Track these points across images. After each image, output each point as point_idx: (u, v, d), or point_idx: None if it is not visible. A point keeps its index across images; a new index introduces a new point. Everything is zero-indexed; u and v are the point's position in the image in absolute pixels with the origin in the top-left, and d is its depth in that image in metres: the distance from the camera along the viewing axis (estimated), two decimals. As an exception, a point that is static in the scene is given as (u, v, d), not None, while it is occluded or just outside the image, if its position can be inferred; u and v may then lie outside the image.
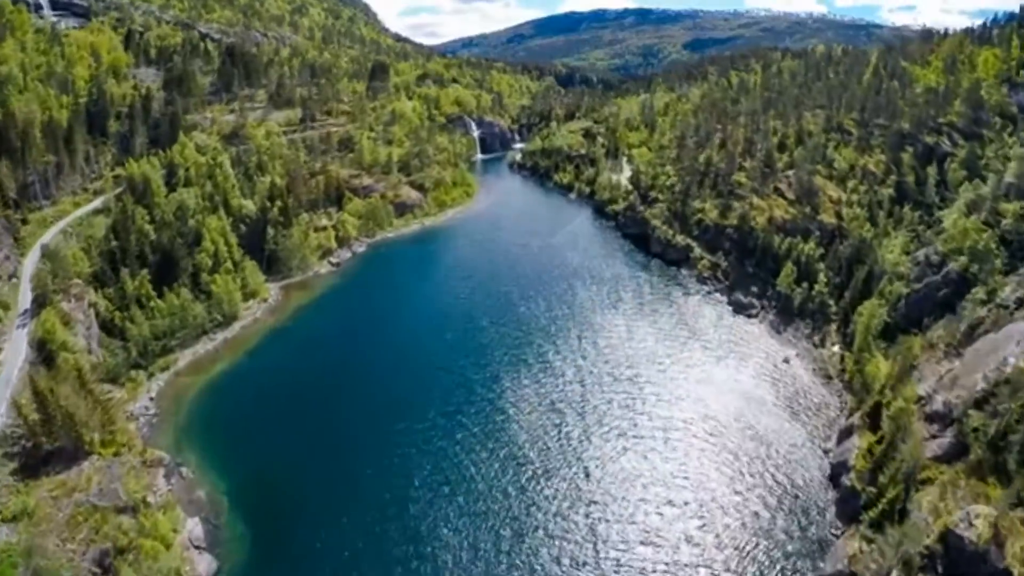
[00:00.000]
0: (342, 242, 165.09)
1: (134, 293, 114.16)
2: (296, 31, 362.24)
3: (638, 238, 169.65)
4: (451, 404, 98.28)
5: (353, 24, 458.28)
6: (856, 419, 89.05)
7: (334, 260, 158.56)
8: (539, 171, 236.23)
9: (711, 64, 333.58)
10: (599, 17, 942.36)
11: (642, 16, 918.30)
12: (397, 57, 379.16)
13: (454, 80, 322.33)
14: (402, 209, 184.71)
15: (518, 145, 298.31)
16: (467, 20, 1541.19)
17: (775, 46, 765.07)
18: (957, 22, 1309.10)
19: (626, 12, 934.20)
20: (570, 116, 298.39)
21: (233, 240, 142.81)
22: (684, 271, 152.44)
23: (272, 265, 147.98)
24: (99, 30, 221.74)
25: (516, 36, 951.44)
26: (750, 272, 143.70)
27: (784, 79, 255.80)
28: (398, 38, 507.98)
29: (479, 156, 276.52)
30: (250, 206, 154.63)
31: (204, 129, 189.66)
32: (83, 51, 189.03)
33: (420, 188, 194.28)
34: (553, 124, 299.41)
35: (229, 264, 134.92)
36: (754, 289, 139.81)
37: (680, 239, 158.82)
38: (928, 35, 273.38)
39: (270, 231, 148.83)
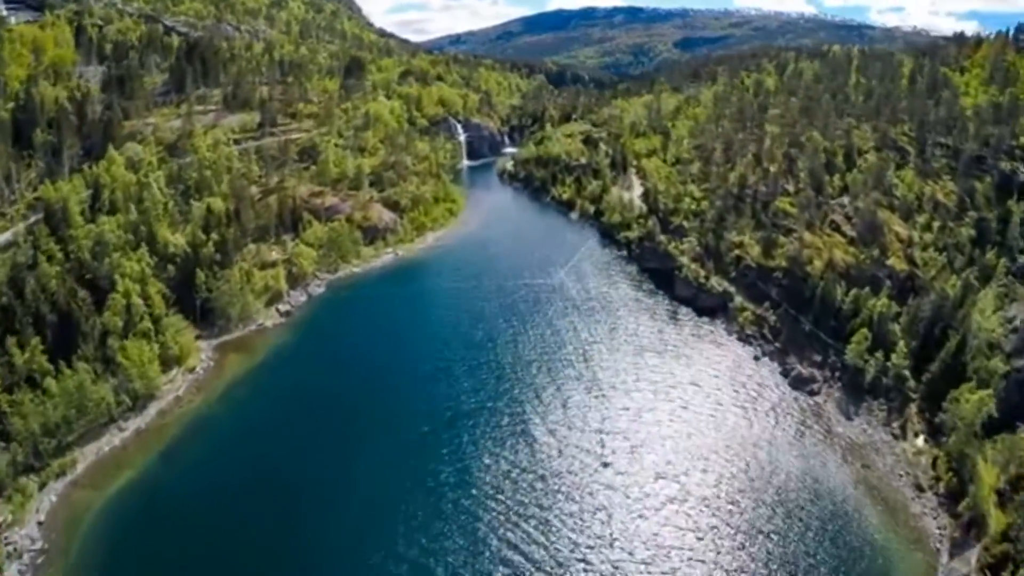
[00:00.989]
0: (296, 281, 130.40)
1: (24, 368, 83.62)
2: (272, 25, 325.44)
3: (660, 276, 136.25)
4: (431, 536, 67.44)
5: (336, 19, 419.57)
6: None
7: (284, 308, 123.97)
8: (534, 183, 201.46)
9: (717, 63, 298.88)
10: (588, 15, 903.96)
11: (632, 14, 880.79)
12: (380, 53, 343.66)
13: (439, 78, 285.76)
14: (372, 235, 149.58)
15: (508, 149, 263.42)
16: (455, 17, 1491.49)
17: (768, 44, 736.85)
18: (946, 24, 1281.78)
19: (616, 10, 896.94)
20: (565, 118, 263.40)
21: (156, 287, 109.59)
22: (721, 324, 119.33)
23: (207, 315, 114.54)
24: (53, 24, 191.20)
25: (504, 33, 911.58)
26: (806, 330, 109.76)
27: (806, 82, 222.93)
28: (383, 33, 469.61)
29: (465, 163, 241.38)
30: (179, 241, 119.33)
31: (144, 138, 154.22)
32: (24, 48, 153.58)
33: (395, 207, 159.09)
34: (547, 126, 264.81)
35: (148, 322, 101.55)
36: (813, 355, 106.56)
37: (715, 283, 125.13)
38: (961, 39, 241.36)
39: (201, 274, 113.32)
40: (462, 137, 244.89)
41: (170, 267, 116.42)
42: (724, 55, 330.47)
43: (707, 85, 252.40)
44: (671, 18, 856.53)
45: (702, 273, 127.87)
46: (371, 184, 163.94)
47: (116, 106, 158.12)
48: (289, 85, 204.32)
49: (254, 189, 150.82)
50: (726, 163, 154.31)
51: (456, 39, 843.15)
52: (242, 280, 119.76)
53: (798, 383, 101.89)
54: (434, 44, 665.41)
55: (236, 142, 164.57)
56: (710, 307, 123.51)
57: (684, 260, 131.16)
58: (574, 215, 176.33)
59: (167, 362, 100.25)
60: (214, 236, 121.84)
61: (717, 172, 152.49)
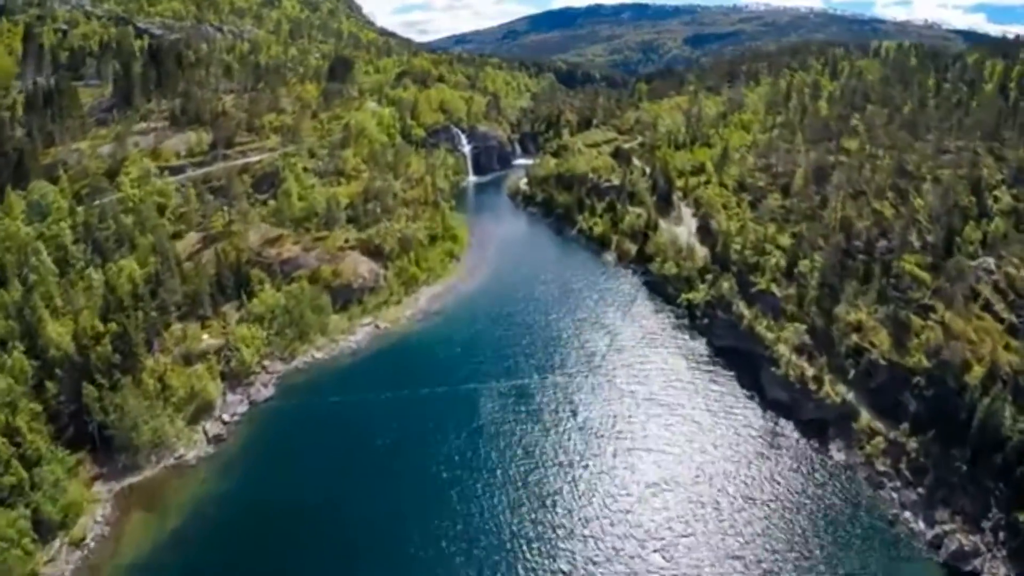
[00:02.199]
0: (235, 379, 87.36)
1: None
2: (260, 24, 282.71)
3: (739, 361, 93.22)
4: None
5: (333, 18, 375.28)
6: None
7: (215, 428, 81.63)
8: (554, 209, 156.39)
9: (752, 59, 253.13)
10: (595, 12, 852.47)
11: (639, 11, 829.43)
12: (379, 53, 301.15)
13: (440, 79, 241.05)
14: (346, 297, 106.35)
15: (520, 161, 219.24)
16: (459, 17, 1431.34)
17: (778, 40, 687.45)
18: (953, 17, 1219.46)
19: (623, 7, 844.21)
20: (585, 123, 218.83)
21: (28, 408, 70.74)
22: (837, 450, 76.82)
23: (108, 444, 74.23)
24: (8, 31, 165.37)
25: (510, 32, 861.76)
26: (961, 469, 66.93)
27: (867, 83, 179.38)
28: (383, 32, 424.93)
29: (471, 179, 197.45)
30: (66, 341, 77.82)
31: (68, 170, 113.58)
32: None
33: (377, 254, 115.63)
34: (564, 132, 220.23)
35: (18, 471, 64.22)
36: (970, 507, 64.09)
37: (828, 390, 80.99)
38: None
39: (93, 388, 72.36)
40: (466, 149, 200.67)
41: (58, 371, 76.07)
42: (759, 51, 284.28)
43: (750, 87, 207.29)
44: (678, 14, 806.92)
45: (808, 371, 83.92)
46: (348, 220, 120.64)
47: (36, 130, 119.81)
48: (261, 92, 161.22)
49: (192, 238, 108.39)
50: (815, 196, 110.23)
51: (461, 39, 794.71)
52: (154, 390, 78.08)
53: (956, 558, 59.46)
54: (438, 44, 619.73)
55: (177, 170, 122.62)
56: (820, 420, 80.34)
57: (782, 350, 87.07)
58: (609, 257, 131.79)
59: (47, 529, 62.38)
60: (113, 326, 79.99)
61: (805, 209, 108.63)
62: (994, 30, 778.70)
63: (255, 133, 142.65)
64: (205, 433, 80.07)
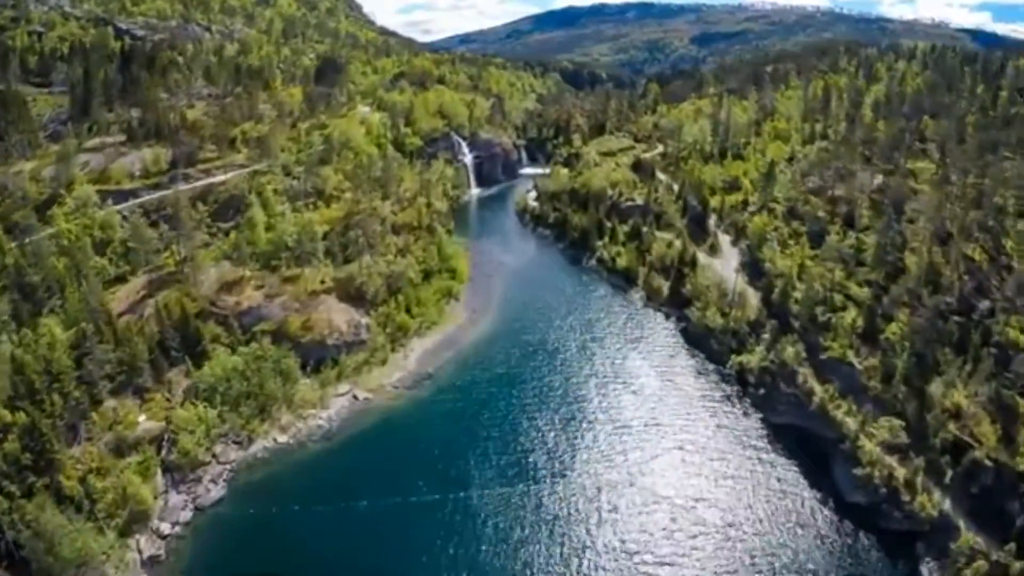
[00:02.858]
0: (179, 470, 65.33)
1: None
2: (252, 24, 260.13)
3: (804, 444, 72.11)
4: None
5: (331, 17, 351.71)
6: None
7: (151, 545, 60.86)
8: (568, 232, 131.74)
9: (776, 60, 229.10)
10: (599, 11, 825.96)
11: (644, 10, 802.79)
12: (377, 53, 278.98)
13: (440, 81, 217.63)
14: (319, 354, 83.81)
15: (527, 170, 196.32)
16: (463, 16, 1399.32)
17: (786, 39, 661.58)
18: (957, 16, 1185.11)
19: (628, 6, 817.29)
20: (598, 129, 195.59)
21: None
22: (931, 572, 54.08)
23: (22, 567, 55.25)
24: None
25: (514, 32, 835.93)
26: None
27: (914, 90, 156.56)
28: (384, 32, 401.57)
29: (473, 192, 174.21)
30: None
31: (5, 196, 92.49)
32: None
33: (358, 298, 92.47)
34: (574, 138, 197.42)
35: None
36: None
37: (923, 500, 58.62)
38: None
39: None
40: (468, 158, 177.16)
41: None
42: (784, 51, 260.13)
43: (780, 91, 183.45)
44: (684, 13, 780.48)
45: (898, 472, 61.59)
46: (326, 253, 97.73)
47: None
48: (238, 97, 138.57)
49: (136, 283, 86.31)
50: (890, 233, 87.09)
51: (465, 38, 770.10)
52: (77, 494, 57.24)
53: None
54: (442, 44, 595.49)
55: (128, 195, 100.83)
56: (907, 535, 58.47)
57: (867, 446, 64.67)
58: (637, 296, 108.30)
59: None
60: (22, 416, 58.54)
61: (880, 250, 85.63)
62: (1000, 29, 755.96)
63: (225, 146, 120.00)
64: (139, 551, 58.49)
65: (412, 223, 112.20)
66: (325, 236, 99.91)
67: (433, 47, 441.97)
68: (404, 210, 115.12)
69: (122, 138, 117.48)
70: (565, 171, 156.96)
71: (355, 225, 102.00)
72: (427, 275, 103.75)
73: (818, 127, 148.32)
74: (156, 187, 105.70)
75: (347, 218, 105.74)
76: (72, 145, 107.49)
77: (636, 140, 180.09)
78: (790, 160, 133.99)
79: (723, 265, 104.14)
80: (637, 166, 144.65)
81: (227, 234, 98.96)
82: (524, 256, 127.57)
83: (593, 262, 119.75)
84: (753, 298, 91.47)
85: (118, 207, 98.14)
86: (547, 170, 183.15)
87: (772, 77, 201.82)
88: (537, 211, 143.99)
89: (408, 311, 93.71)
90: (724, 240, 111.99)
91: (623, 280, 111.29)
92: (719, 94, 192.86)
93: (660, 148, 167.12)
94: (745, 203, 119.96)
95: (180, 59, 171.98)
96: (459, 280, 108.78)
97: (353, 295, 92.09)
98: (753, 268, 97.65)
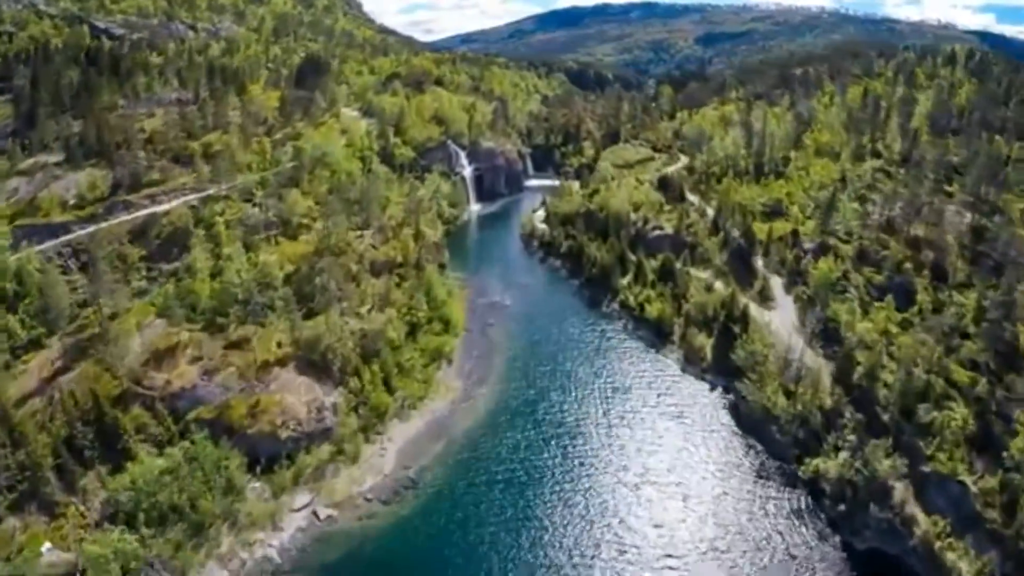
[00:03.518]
0: None
1: None
2: (242, 21, 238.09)
3: (891, 567, 51.97)
4: None
5: (329, 14, 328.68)
6: None
7: None
8: (585, 266, 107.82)
9: (801, 62, 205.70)
10: (603, 11, 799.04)
11: (648, 10, 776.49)
12: (374, 52, 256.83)
13: (438, 83, 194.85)
14: (272, 450, 61.44)
15: (533, 182, 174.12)
16: (465, 16, 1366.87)
17: (793, 39, 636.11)
18: (962, 17, 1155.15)
19: (631, 6, 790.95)
20: (612, 136, 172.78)
21: None
22: None
23: None
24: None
25: (517, 31, 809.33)
26: None
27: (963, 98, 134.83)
28: (383, 30, 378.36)
29: (473, 208, 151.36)
30: None
31: None
32: None
33: (324, 369, 69.85)
34: (585, 146, 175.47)
35: None
36: None
37: None
38: None
39: None
40: (467, 170, 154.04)
41: None
42: (811, 53, 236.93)
43: (817, 97, 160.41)
44: (688, 13, 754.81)
45: None
46: (285, 306, 75.16)
47: None
48: (203, 105, 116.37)
49: (50, 352, 64.63)
50: (996, 292, 64.98)
51: (467, 38, 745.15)
52: None
53: None
54: (444, 44, 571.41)
55: (58, 229, 79.11)
56: None
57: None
58: (672, 356, 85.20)
59: None
60: None
61: (984, 316, 63.42)
62: (1005, 31, 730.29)
63: (182, 164, 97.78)
64: None
65: (396, 259, 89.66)
66: (288, 279, 77.62)
67: (434, 47, 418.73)
68: (387, 241, 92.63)
69: (60, 157, 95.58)
70: (578, 188, 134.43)
71: (324, 268, 79.40)
72: (413, 329, 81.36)
73: (864, 140, 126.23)
74: (91, 219, 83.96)
75: (317, 254, 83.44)
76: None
77: (655, 150, 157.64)
78: (842, 181, 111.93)
79: (778, 318, 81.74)
80: (663, 184, 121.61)
81: (170, 277, 76.69)
82: (532, 297, 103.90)
83: (615, 306, 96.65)
84: (824, 372, 69.03)
85: (40, 247, 76.43)
86: (555, 182, 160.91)
87: (801, 81, 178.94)
88: (546, 236, 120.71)
89: (387, 384, 71.40)
90: (775, 284, 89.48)
91: (654, 333, 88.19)
92: (745, 99, 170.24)
93: (684, 160, 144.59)
94: (795, 235, 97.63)
95: (158, 60, 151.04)
96: (453, 331, 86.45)
97: (317, 364, 69.73)
98: (821, 327, 75.10)
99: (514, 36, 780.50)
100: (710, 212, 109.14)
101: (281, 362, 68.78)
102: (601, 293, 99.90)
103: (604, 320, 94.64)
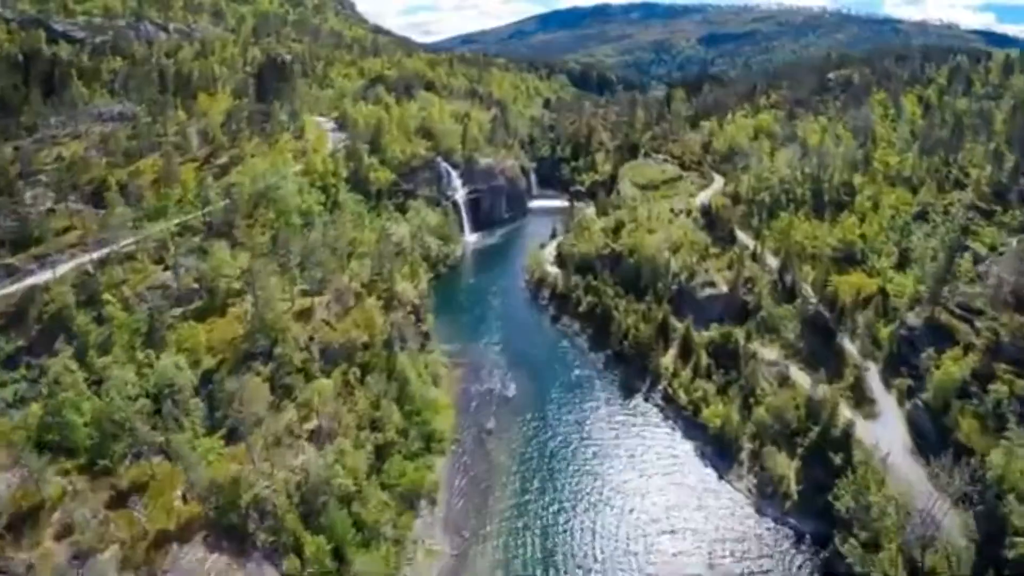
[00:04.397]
0: None
1: None
2: (220, 22, 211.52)
3: None
4: None
5: (318, 14, 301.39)
6: None
7: None
8: (612, 335, 78.87)
9: (838, 66, 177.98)
10: (603, 12, 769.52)
11: (648, 10, 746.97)
12: (364, 52, 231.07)
13: (428, 87, 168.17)
14: None
15: (539, 203, 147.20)
16: (466, 17, 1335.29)
17: (797, 40, 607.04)
18: (962, 17, 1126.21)
19: (632, 7, 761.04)
20: (630, 150, 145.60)
21: None
22: None
23: None
24: None
25: (517, 32, 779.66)
26: None
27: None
28: (377, 30, 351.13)
29: (468, 240, 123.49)
30: None
31: None
32: None
33: (247, 542, 42.60)
34: (598, 160, 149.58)
35: None
36: None
37: None
38: None
39: None
40: (460, 193, 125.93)
41: None
42: (846, 55, 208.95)
43: (873, 105, 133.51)
44: (689, 13, 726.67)
45: None
46: (206, 419, 48.41)
47: None
48: (137, 120, 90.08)
49: None
50: None
51: (467, 39, 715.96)
52: None
53: None
54: (444, 45, 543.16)
55: None
56: None
57: None
58: (739, 483, 57.39)
59: None
60: None
61: None
62: (1006, 30, 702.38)
63: (99, 206, 71.20)
64: None
65: (359, 341, 62.75)
66: (206, 379, 51.04)
67: (433, 48, 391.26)
68: (348, 312, 65.66)
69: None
70: (594, 216, 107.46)
71: (247, 371, 52.57)
72: (379, 452, 54.51)
73: (935, 161, 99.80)
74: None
75: (246, 338, 56.82)
76: None
77: (682, 167, 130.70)
78: (923, 218, 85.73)
79: (883, 432, 55.35)
80: (708, 219, 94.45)
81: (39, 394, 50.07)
82: (543, 380, 74.57)
83: (658, 398, 69.92)
84: (960, 532, 42.50)
85: None
86: (564, 203, 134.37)
87: (844, 86, 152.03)
88: (559, 286, 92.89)
89: (337, 555, 44.60)
90: (875, 382, 62.75)
91: (715, 448, 60.67)
92: (783, 107, 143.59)
93: (718, 181, 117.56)
94: (884, 296, 71.15)
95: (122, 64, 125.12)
96: (437, 447, 59.47)
97: (237, 530, 43.07)
98: (965, 480, 48.22)
99: (515, 37, 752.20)
100: (771, 260, 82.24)
101: (184, 531, 42.22)
102: (637, 376, 72.15)
103: (642, 419, 67.04)
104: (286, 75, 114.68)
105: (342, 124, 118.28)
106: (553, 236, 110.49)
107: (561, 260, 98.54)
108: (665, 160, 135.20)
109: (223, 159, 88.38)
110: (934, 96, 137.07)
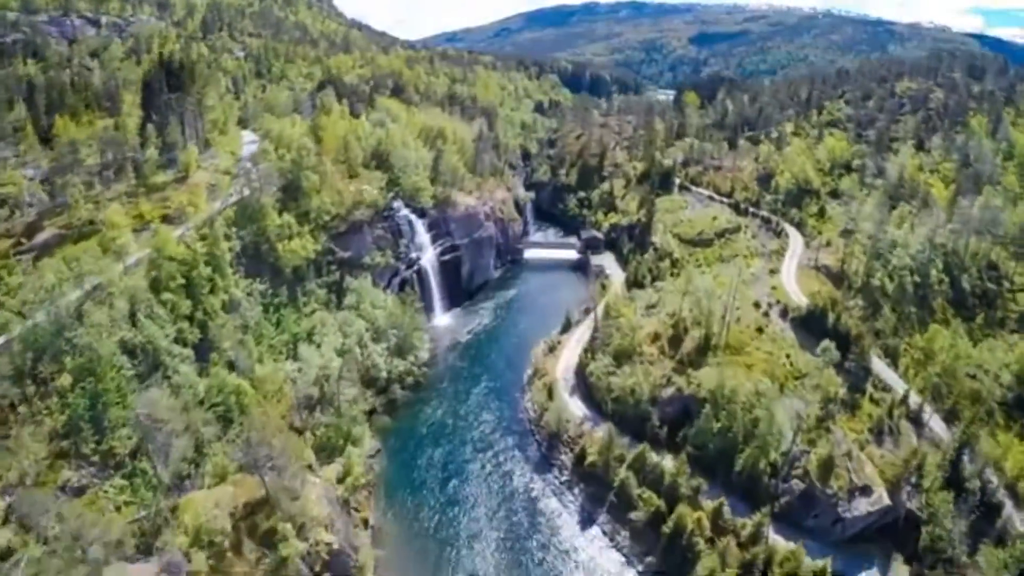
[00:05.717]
0: None
1: None
2: (166, 14, 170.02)
3: None
4: None
5: (290, 6, 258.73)
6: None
7: None
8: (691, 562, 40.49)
9: (896, 75, 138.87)
10: (591, 10, 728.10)
11: (637, 9, 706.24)
12: (331, 48, 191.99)
13: (396, 91, 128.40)
14: None
15: (536, 253, 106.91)
16: (450, 14, 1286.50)
17: (791, 40, 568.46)
18: (949, 20, 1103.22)
19: (620, 5, 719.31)
20: (661, 179, 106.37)
21: None
22: None
23: None
24: None
25: (503, 30, 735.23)
26: None
27: None
28: (353, 24, 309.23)
29: (440, 325, 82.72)
30: None
31: None
32: None
33: None
34: (616, 190, 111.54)
35: None
36: None
37: None
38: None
39: None
40: (428, 256, 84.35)
41: None
42: (894, 58, 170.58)
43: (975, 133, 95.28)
44: (679, 12, 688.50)
45: None
46: None
47: None
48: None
49: None
50: None
51: (451, 36, 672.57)
52: None
53: None
54: (427, 42, 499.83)
55: None
56: None
57: None
58: None
59: None
60: None
61: None
62: (995, 34, 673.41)
63: None
64: None
65: None
66: None
67: (415, 45, 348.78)
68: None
69: None
70: (636, 313, 67.87)
71: None
72: None
73: None
74: None
75: None
76: None
77: (737, 210, 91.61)
78: None
79: None
80: (816, 328, 55.39)
81: None
82: None
83: None
84: None
85: None
86: (571, 252, 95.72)
87: (924, 105, 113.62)
88: (591, 454, 51.42)
89: None
90: None
91: None
92: (845, 125, 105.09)
93: (798, 240, 78.81)
94: None
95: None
96: None
97: None
98: None
99: (500, 35, 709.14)
100: (931, 420, 43.55)
101: None
102: None
103: None
104: (182, 84, 73.19)
105: (253, 157, 77.07)
106: (566, 328, 70.84)
107: (587, 387, 58.71)
108: (710, 198, 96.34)
109: (54, 229, 48.03)
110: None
